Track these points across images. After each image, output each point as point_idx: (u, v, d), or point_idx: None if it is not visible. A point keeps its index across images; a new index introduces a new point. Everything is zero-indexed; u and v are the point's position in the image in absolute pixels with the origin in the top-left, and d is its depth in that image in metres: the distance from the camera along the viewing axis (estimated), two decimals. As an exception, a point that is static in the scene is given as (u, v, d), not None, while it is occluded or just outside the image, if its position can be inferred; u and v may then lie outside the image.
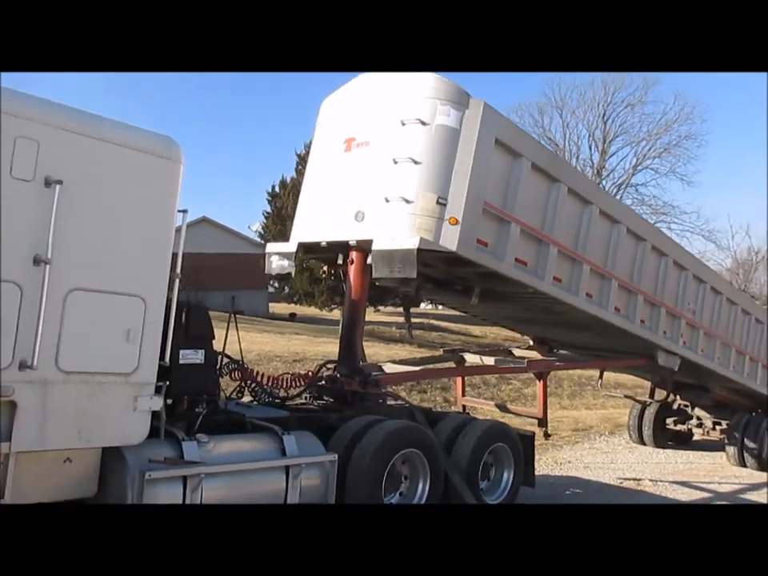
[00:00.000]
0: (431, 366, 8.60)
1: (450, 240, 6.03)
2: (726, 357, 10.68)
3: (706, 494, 9.67)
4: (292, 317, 33.65)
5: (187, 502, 4.55)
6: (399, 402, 7.30)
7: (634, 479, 10.14)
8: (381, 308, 29.69)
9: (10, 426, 3.86)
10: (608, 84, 40.86)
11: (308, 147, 27.53)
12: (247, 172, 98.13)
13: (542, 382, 8.53)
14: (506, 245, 6.58)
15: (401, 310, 33.24)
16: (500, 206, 6.52)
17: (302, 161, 27.08)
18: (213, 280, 25.21)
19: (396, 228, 6.09)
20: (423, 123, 6.17)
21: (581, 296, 7.54)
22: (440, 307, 51.88)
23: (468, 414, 9.14)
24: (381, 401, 6.98)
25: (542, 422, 8.53)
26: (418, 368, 7.94)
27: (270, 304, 35.56)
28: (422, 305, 42.38)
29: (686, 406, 13.43)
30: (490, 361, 8.74)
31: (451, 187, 6.09)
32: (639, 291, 8.47)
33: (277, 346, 19.46)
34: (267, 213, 27.40)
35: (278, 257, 7.26)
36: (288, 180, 27.15)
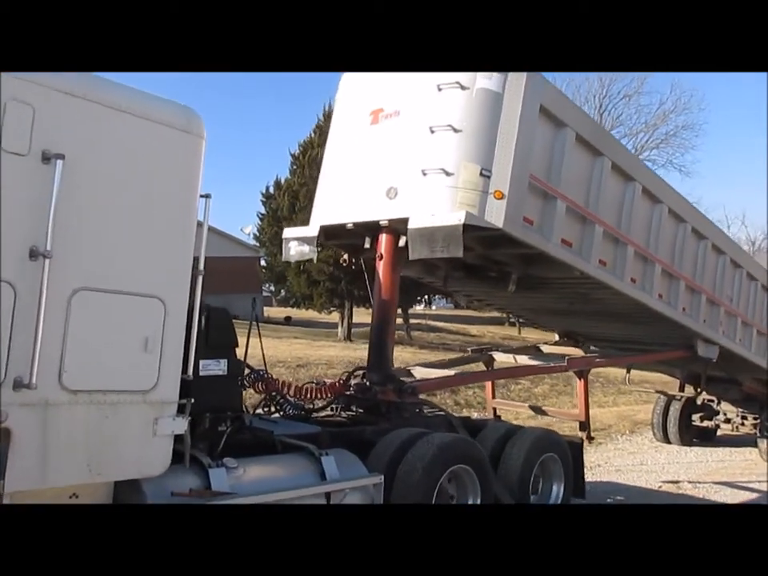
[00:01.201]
0: (466, 369, 7.93)
1: (495, 216, 5.40)
2: (761, 346, 10.14)
3: (748, 495, 9.15)
4: (287, 320, 32.99)
5: None
6: (435, 410, 6.62)
7: (672, 482, 9.59)
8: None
9: (3, 459, 3.10)
10: (603, 76, 40.53)
11: (302, 147, 27.10)
12: (238, 174, 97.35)
13: (582, 380, 7.80)
14: (553, 223, 5.96)
15: (399, 311, 32.66)
16: (545, 180, 5.90)
17: (297, 161, 26.42)
18: (206, 284, 24.43)
19: (436, 203, 5.44)
20: (462, 87, 5.54)
21: (626, 280, 6.94)
22: (434, 308, 51.47)
23: (499, 417, 8.53)
24: (417, 410, 6.26)
25: (584, 425, 7.74)
26: (452, 372, 7.23)
27: (264, 308, 34.88)
28: (416, 306, 41.82)
29: (711, 401, 12.94)
30: (523, 360, 8.09)
31: (495, 157, 5.46)
32: (681, 276, 7.89)
33: (278, 351, 18.84)
34: (262, 214, 26.70)
35: (297, 242, 6.60)
36: (283, 181, 26.47)
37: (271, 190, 26.22)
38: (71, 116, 3.33)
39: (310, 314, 32.61)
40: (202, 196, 3.94)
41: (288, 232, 6.89)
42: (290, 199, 24.72)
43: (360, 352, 20.84)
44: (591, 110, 41.26)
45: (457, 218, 5.20)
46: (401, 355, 19.68)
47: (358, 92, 6.51)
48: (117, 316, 3.51)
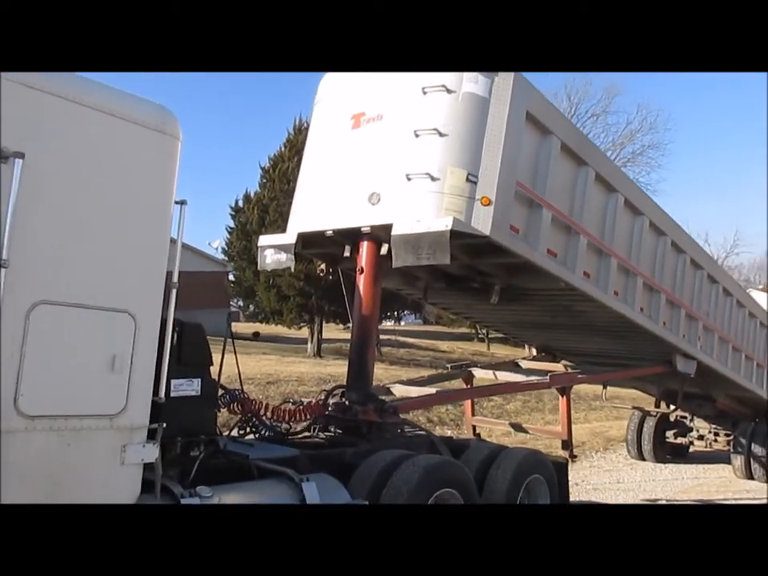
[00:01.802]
0: (445, 386, 7.68)
1: (482, 223, 5.22)
2: (736, 361, 10.15)
3: (726, 511, 9.08)
4: (255, 336, 32.34)
5: None
6: (416, 430, 6.34)
7: (650, 500, 9.47)
8: (342, 325, 28.76)
9: None
10: (572, 95, 41.12)
11: (272, 161, 26.77)
12: (205, 188, 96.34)
13: (565, 397, 7.58)
14: (539, 232, 5.80)
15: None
16: (531, 188, 5.75)
17: (266, 174, 26.08)
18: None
19: (421, 208, 5.24)
20: (448, 91, 5.37)
21: (609, 292, 6.82)
22: (402, 324, 51.35)
23: (479, 436, 8.29)
24: (399, 431, 5.99)
25: (567, 444, 7.51)
26: (433, 390, 6.97)
27: (233, 323, 34.22)
28: (385, 322, 41.55)
29: (684, 417, 12.97)
30: (504, 376, 7.89)
31: (482, 163, 5.29)
32: (662, 290, 7.82)
33: (246, 368, 18.23)
34: (231, 228, 26.20)
35: (274, 250, 6.32)
36: (252, 194, 26.07)
37: (240, 203, 25.80)
38: (33, 111, 3.04)
39: (278, 329, 32.07)
40: (176, 202, 3.66)
41: (264, 239, 6.60)
42: (260, 213, 24.29)
43: (331, 368, 20.46)
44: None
45: (444, 223, 5.00)
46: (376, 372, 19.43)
47: (338, 95, 6.30)
48: (81, 332, 3.21)
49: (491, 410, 17.91)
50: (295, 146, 23.70)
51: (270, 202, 23.95)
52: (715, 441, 12.56)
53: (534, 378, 7.39)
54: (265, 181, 25.82)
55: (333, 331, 33.28)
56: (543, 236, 5.85)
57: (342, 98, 6.23)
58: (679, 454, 13.29)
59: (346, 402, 5.74)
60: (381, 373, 19.57)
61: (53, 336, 3.09)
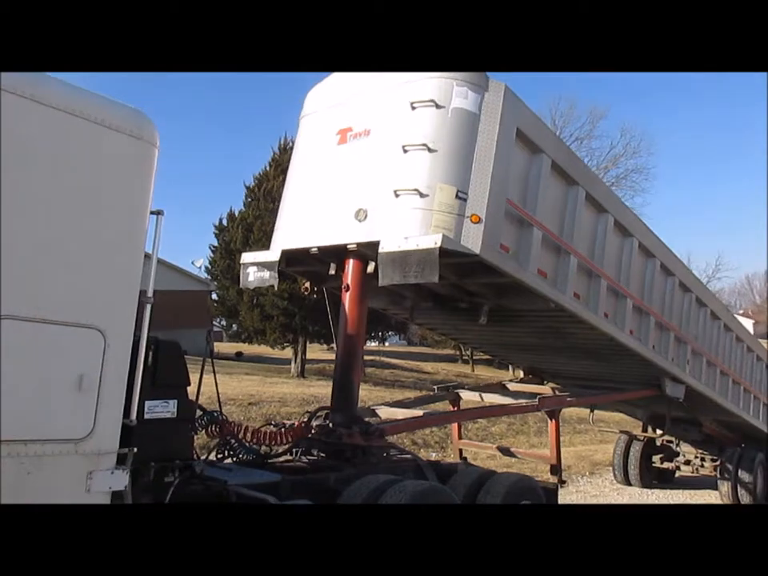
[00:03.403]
0: (434, 408, 7.48)
1: (472, 241, 5.06)
2: (724, 386, 10.06)
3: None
4: (238, 356, 31.99)
5: None
6: (403, 454, 6.13)
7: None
8: (326, 346, 28.45)
9: None
10: (556, 118, 41.51)
11: (257, 179, 26.66)
12: (189, 206, 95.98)
13: (554, 421, 7.41)
14: (529, 251, 5.66)
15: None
16: (522, 206, 5.63)
17: (252, 193, 25.93)
18: (154, 319, 23.46)
19: (408, 226, 5.07)
20: (437, 106, 5.24)
21: (600, 314, 6.70)
22: (387, 344, 51.15)
23: (465, 459, 8.08)
24: (385, 455, 5.77)
25: (556, 469, 7.35)
26: (420, 412, 6.76)
27: (215, 343, 33.83)
28: (369, 342, 41.27)
29: (670, 442, 12.87)
30: (492, 399, 7.71)
31: (471, 180, 5.15)
32: (651, 312, 7.71)
33: (228, 388, 18.08)
34: (214, 247, 25.95)
35: (257, 268, 6.12)
36: (236, 213, 25.88)
37: (224, 222, 25.59)
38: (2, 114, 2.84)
39: (261, 349, 31.74)
40: (152, 212, 3.47)
41: (247, 257, 6.40)
42: (244, 231, 24.08)
43: (314, 389, 20.16)
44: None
45: (432, 240, 4.84)
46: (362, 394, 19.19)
47: (324, 110, 6.17)
48: (46, 349, 3.00)
49: (476, 431, 17.72)
50: (280, 165, 23.62)
51: (254, 221, 23.77)
52: (701, 466, 12.46)
53: (522, 401, 7.21)
54: (249, 200, 25.67)
55: (317, 352, 32.97)
56: (534, 256, 5.71)
57: (328, 113, 6.09)
58: (665, 479, 13.18)
59: (331, 425, 5.53)
60: (365, 394, 19.36)
61: (15, 353, 2.88)
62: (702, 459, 12.55)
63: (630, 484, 12.59)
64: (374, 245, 5.19)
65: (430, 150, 5.17)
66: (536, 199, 5.76)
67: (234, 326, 25.81)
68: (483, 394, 7.78)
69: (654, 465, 12.82)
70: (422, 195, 5.08)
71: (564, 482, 7.88)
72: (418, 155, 5.21)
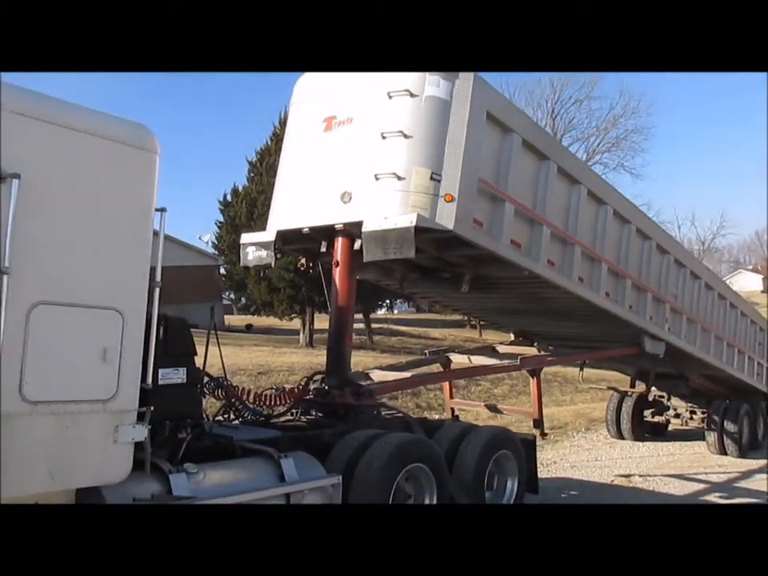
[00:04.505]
0: (422, 370, 8.09)
1: (446, 218, 5.60)
2: (706, 342, 10.57)
3: (696, 485, 9.55)
4: (248, 328, 32.71)
5: None
6: (393, 412, 6.77)
7: (624, 476, 9.91)
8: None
9: None
10: (555, 81, 41.41)
11: (259, 155, 27.04)
12: (196, 182, 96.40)
13: (535, 379, 8.07)
14: (502, 225, 6.18)
15: (360, 316, 32.71)
16: (494, 184, 6.13)
17: (254, 168, 26.33)
18: (166, 294, 24.16)
19: (388, 206, 5.61)
20: (412, 95, 5.73)
21: (573, 279, 7.22)
22: (396, 312, 51.65)
23: (458, 417, 8.70)
24: (375, 412, 6.41)
25: (538, 423, 8.08)
26: (408, 374, 7.39)
27: (225, 316, 34.57)
28: (378, 310, 41.82)
29: (662, 397, 13.39)
30: (479, 360, 8.31)
31: (444, 162, 5.66)
32: (627, 275, 8.21)
33: (238, 359, 18.76)
34: (220, 222, 26.49)
35: (255, 247, 6.69)
36: (240, 188, 26.34)
37: (229, 197, 26.07)
38: (26, 136, 3.42)
39: (271, 321, 32.43)
40: (157, 210, 4.04)
41: (245, 237, 6.97)
42: (248, 207, 24.59)
43: (322, 358, 20.61)
44: (544, 114, 42.15)
45: (408, 219, 5.39)
46: (362, 360, 19.81)
47: (311, 99, 6.65)
48: (75, 328, 3.60)
49: (479, 393, 18.35)
50: (281, 139, 23.96)
51: (258, 196, 24.22)
52: (691, 419, 12.98)
53: (505, 362, 7.80)
54: (252, 175, 26.08)
55: (325, 321, 33.57)
56: (506, 228, 6.23)
57: (315, 102, 6.58)
58: (658, 433, 13.71)
59: (326, 387, 6.15)
60: (370, 361, 19.98)
61: (51, 332, 3.49)
62: (693, 413, 13.07)
63: (622, 438, 13.17)
64: (358, 224, 5.73)
65: (405, 136, 5.68)
66: (507, 176, 6.26)
67: (242, 298, 26.44)
68: (472, 357, 8.37)
69: (645, 419, 13.36)
70: (399, 178, 5.60)
71: (546, 434, 8.51)
72: (395, 141, 5.72)
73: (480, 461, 5.92)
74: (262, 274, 23.61)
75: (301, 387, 6.12)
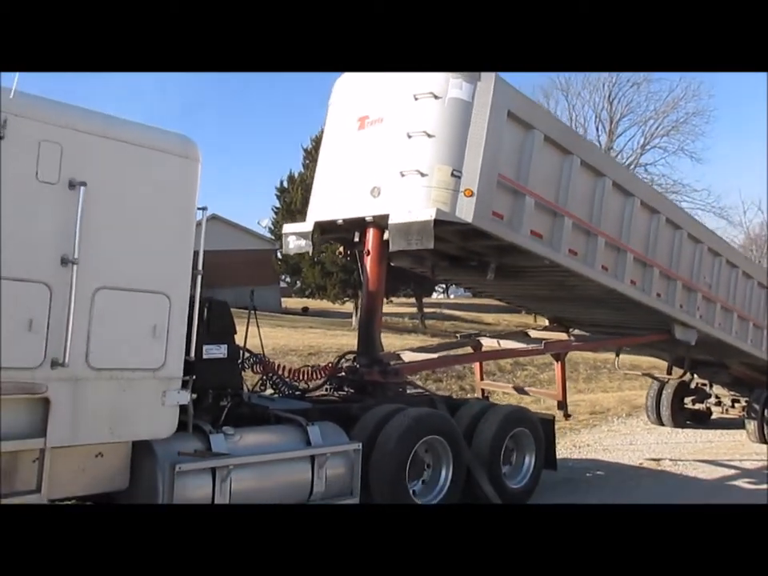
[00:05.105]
0: (449, 353, 8.59)
1: (465, 211, 6.06)
2: (743, 330, 10.62)
3: (727, 471, 9.65)
4: (305, 311, 33.75)
5: (216, 492, 4.62)
6: (419, 390, 7.31)
7: (654, 459, 10.11)
8: (393, 299, 29.70)
9: (44, 422, 3.93)
10: (612, 64, 40.36)
11: (314, 142, 27.81)
12: (256, 168, 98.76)
13: (559, 363, 8.49)
14: (522, 217, 6.60)
15: (413, 300, 33.25)
16: (514, 179, 6.54)
17: (309, 155, 27.13)
18: (225, 277, 25.37)
19: (412, 201, 6.12)
20: (436, 97, 6.20)
21: (596, 268, 7.54)
22: (452, 296, 51.81)
23: (488, 398, 9.16)
24: (401, 390, 6.98)
25: (562, 404, 8.50)
26: (435, 355, 7.93)
27: (283, 299, 35.74)
28: (434, 294, 42.19)
29: (704, 384, 13.39)
30: (506, 344, 8.74)
31: (465, 159, 6.12)
32: (655, 264, 8.44)
33: (291, 340, 19.58)
34: (276, 208, 27.50)
35: (295, 237, 7.31)
36: (296, 175, 27.21)
37: (285, 184, 26.98)
38: (90, 150, 4.13)
39: (326, 304, 33.37)
40: (198, 209, 4.72)
41: (287, 228, 7.61)
42: (303, 193, 25.41)
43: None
44: (601, 98, 41.27)
45: (429, 213, 5.89)
46: (410, 343, 20.37)
47: (347, 99, 7.19)
48: (131, 309, 4.31)
49: (524, 378, 18.65)
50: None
51: (312, 182, 24.94)
52: (732, 407, 12.93)
53: (529, 346, 8.22)
54: (307, 161, 26.88)
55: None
56: (526, 220, 6.64)
57: (350, 102, 7.11)
58: (700, 421, 13.66)
59: (357, 366, 6.74)
60: (419, 344, 20.49)
61: (111, 311, 4.21)
62: (736, 401, 12.98)
63: (662, 424, 13.25)
64: (386, 217, 6.27)
65: (429, 135, 6.15)
66: (529, 170, 6.65)
67: (297, 282, 27.37)
68: (501, 341, 8.80)
69: (686, 406, 13.40)
70: (422, 175, 6.10)
71: (569, 415, 8.89)
72: (420, 140, 6.20)
73: (496, 436, 6.41)
74: (315, 259, 24.42)
75: (333, 365, 6.73)
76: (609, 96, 40.78)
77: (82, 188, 3.99)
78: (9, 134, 3.72)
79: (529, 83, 39.39)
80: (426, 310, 34.23)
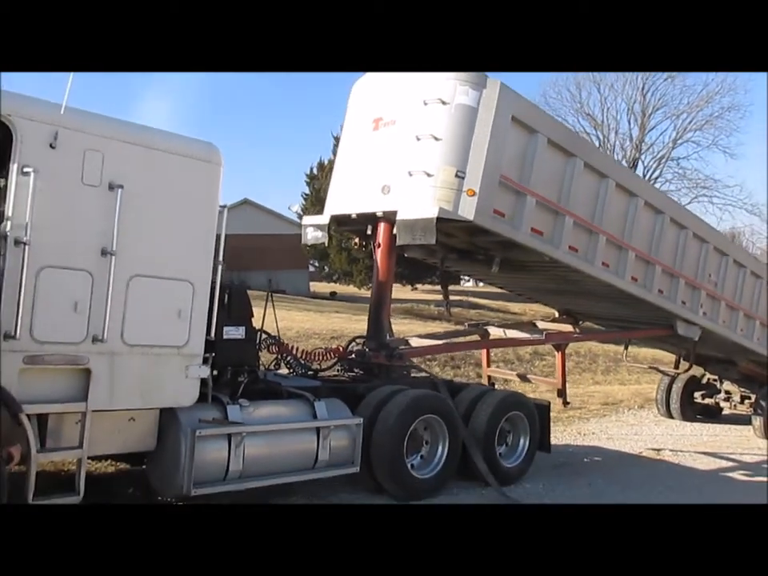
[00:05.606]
0: (454, 340, 9.12)
1: (467, 210, 6.56)
2: (749, 329, 10.87)
3: (724, 464, 9.91)
4: (332, 295, 34.43)
5: (231, 457, 5.25)
6: (422, 373, 7.88)
7: (654, 449, 10.42)
8: (418, 286, 30.16)
9: (86, 389, 4.59)
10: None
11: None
12: (288, 154, 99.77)
13: (560, 353, 9.02)
14: (522, 215, 7.06)
15: (439, 288, 33.66)
16: (516, 179, 6.99)
17: (339, 142, 27.61)
18: (256, 260, 26.14)
19: (418, 199, 6.64)
20: (444, 102, 6.68)
21: (596, 265, 7.95)
22: (480, 285, 51.85)
23: (492, 385, 9.67)
24: (405, 372, 7.57)
25: (561, 392, 9.02)
26: (440, 342, 8.49)
27: (312, 283, 36.50)
28: (462, 282, 42.47)
29: (715, 380, 13.61)
30: (512, 334, 9.22)
31: (469, 161, 6.60)
32: (657, 262, 8.78)
33: (316, 324, 20.16)
34: (306, 194, 28.13)
35: (313, 228, 7.90)
36: (326, 162, 27.76)
37: (315, 171, 27.57)
38: (127, 157, 4.77)
39: (353, 289, 33.99)
40: (221, 207, 5.33)
41: (306, 219, 8.22)
42: (333, 180, 25.99)
43: (395, 327, 21.76)
44: (634, 91, 40.88)
45: (432, 212, 6.41)
46: (434, 330, 20.81)
47: (364, 101, 7.71)
48: (160, 294, 4.96)
49: (542, 368, 18.97)
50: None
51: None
52: (741, 403, 13.10)
53: (531, 336, 8.69)
54: (337, 148, 27.35)
55: (402, 292, 34.87)
56: (527, 218, 7.10)
57: (367, 104, 7.63)
58: (711, 415, 13.82)
59: (366, 349, 7.32)
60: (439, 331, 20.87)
61: (143, 296, 4.86)
62: (746, 397, 13.14)
63: (671, 417, 13.55)
64: (394, 213, 6.80)
65: (436, 138, 6.65)
66: (531, 172, 7.10)
67: (325, 267, 28.02)
68: (507, 330, 9.29)
69: (696, 401, 13.66)
70: (428, 175, 6.61)
71: (568, 403, 9.36)
72: (427, 143, 6.71)
73: (492, 417, 6.95)
74: (342, 245, 24.99)
75: (344, 348, 7.31)
76: (642, 88, 40.43)
77: (120, 190, 4.64)
78: (59, 145, 4.37)
79: (560, 74, 39.25)
80: (452, 298, 34.55)
